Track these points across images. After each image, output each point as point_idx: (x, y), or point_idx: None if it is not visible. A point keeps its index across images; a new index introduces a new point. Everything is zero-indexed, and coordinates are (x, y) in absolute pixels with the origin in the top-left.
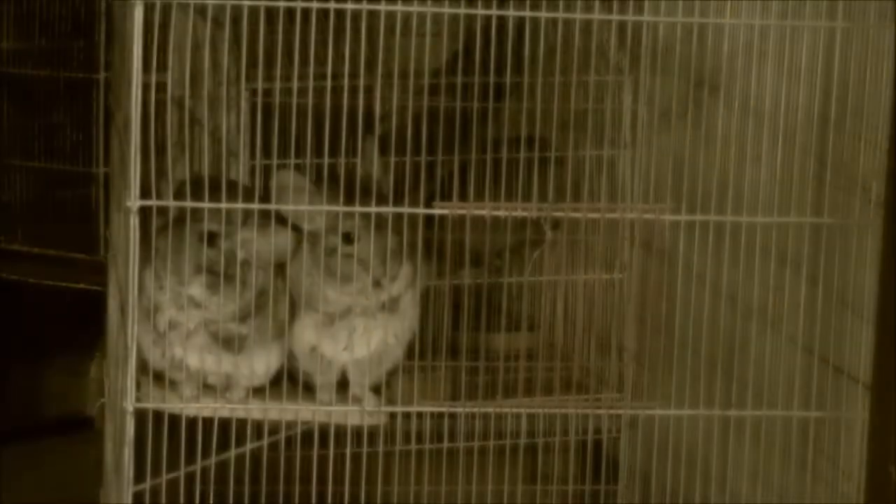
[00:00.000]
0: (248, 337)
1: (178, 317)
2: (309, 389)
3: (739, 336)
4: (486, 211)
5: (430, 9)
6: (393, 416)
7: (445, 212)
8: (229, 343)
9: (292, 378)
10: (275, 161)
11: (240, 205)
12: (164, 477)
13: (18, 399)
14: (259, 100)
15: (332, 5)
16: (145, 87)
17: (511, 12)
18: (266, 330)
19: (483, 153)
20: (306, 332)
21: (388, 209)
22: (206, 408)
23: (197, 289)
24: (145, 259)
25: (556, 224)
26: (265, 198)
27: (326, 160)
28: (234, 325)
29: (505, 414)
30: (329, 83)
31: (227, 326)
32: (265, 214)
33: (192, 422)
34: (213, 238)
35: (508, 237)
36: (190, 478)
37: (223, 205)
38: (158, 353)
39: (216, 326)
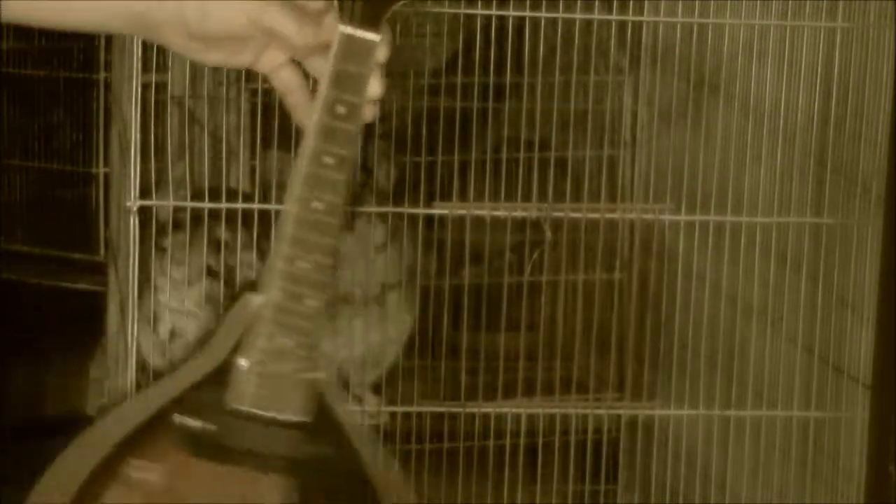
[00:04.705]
0: None
1: (178, 324)
2: None
3: (739, 336)
4: (486, 211)
5: (430, 9)
6: (393, 416)
7: (445, 212)
8: None
9: None
10: (275, 161)
11: (240, 205)
12: None
13: (18, 399)
14: (259, 100)
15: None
16: (145, 87)
17: (511, 12)
18: None
19: (483, 153)
20: None
21: (389, 209)
22: None
23: (195, 296)
24: (146, 264)
25: (556, 228)
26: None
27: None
28: None
29: (505, 414)
30: None
31: None
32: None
33: None
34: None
35: (508, 237)
36: None
37: (223, 205)
38: (158, 353)
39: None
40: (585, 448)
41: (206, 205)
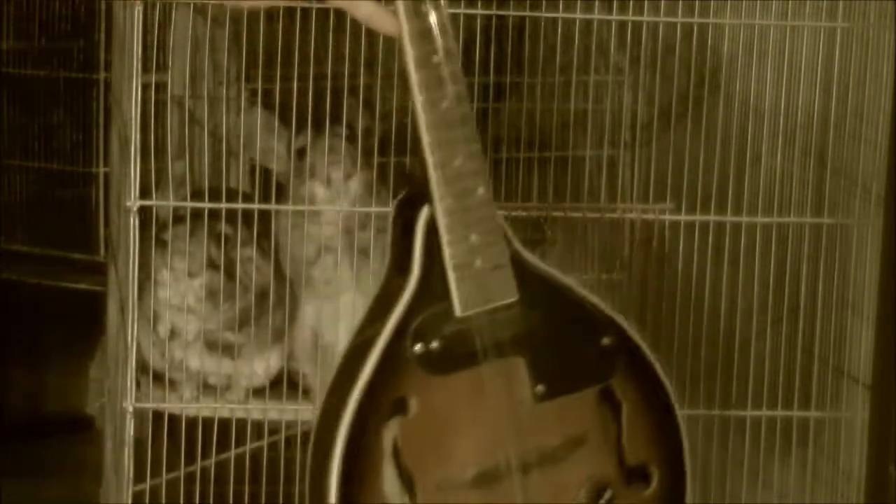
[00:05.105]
0: (245, 345)
1: (178, 322)
2: (309, 391)
3: (739, 336)
4: None
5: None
6: None
7: None
8: (227, 350)
9: (292, 381)
10: (275, 161)
11: (240, 205)
12: (164, 477)
13: (18, 399)
14: (259, 99)
15: (332, 5)
16: (145, 87)
17: (511, 12)
18: (265, 337)
19: (483, 153)
20: (308, 313)
21: (390, 209)
22: (206, 408)
23: (196, 291)
24: (146, 264)
25: (556, 227)
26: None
27: (327, 159)
28: (231, 335)
29: None
30: (329, 83)
31: (225, 336)
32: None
33: (192, 422)
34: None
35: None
36: (190, 478)
37: (223, 205)
38: (158, 353)
39: (213, 335)
40: None
41: (206, 205)
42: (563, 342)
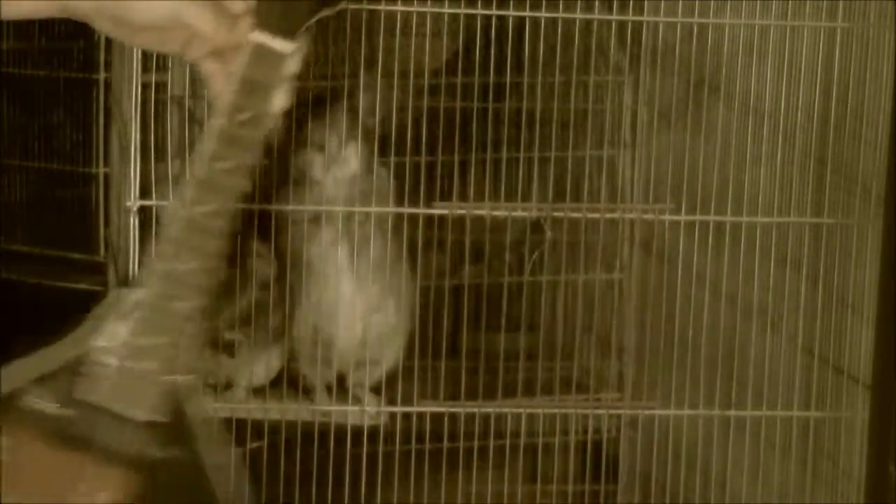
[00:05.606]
0: (244, 344)
1: None
2: (309, 391)
3: (739, 336)
4: (486, 211)
5: (429, 9)
6: (393, 416)
7: (445, 212)
8: (228, 349)
9: (292, 381)
10: (275, 160)
11: (240, 205)
12: None
13: None
14: None
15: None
16: (145, 87)
17: (511, 12)
18: (265, 335)
19: (483, 153)
20: (308, 306)
21: (389, 209)
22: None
23: None
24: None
25: (556, 228)
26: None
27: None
28: (232, 334)
29: (505, 414)
30: (329, 83)
31: (225, 335)
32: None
33: None
34: None
35: (508, 237)
36: None
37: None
38: None
39: (213, 334)
40: (585, 448)
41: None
42: (167, 495)
